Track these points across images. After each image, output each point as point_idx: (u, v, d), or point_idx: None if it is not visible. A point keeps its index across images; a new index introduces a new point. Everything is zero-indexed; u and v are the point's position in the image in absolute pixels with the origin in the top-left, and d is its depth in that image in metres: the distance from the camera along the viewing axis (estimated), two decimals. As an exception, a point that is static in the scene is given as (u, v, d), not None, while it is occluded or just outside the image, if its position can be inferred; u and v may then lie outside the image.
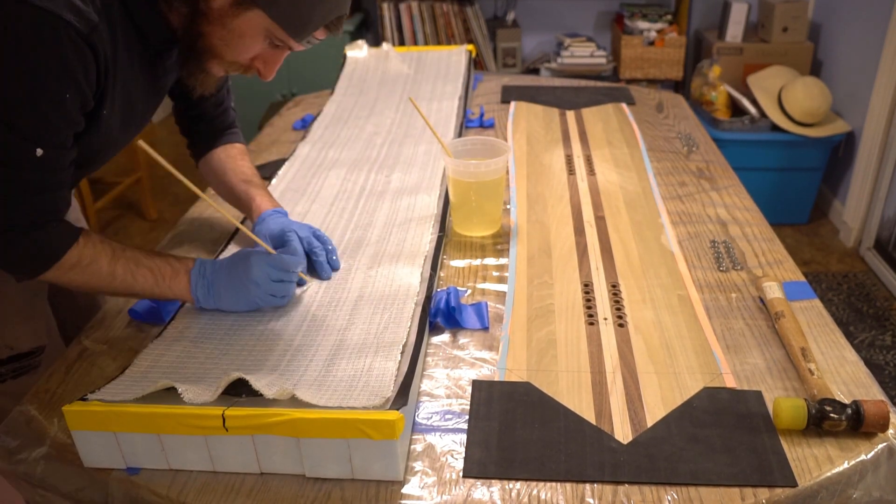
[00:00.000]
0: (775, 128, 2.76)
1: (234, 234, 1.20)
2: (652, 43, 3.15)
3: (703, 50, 3.17)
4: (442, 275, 1.12)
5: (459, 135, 1.57)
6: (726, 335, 0.97)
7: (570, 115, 1.73)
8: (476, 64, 3.26)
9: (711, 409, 0.84)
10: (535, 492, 0.75)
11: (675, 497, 0.74)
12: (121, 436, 0.77)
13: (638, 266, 1.12)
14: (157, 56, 0.94)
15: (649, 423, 0.82)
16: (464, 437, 0.82)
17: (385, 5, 3.24)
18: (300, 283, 1.03)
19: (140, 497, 0.78)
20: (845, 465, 0.77)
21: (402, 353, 0.88)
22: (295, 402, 0.77)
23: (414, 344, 0.89)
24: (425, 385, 0.90)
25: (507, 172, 1.40)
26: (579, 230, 1.22)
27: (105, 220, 3.10)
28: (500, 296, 1.06)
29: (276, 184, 1.36)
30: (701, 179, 1.41)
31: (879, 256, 2.66)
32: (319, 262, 1.05)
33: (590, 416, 0.84)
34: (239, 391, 0.79)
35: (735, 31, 2.99)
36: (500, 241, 1.20)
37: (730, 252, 1.16)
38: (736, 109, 2.88)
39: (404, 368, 0.84)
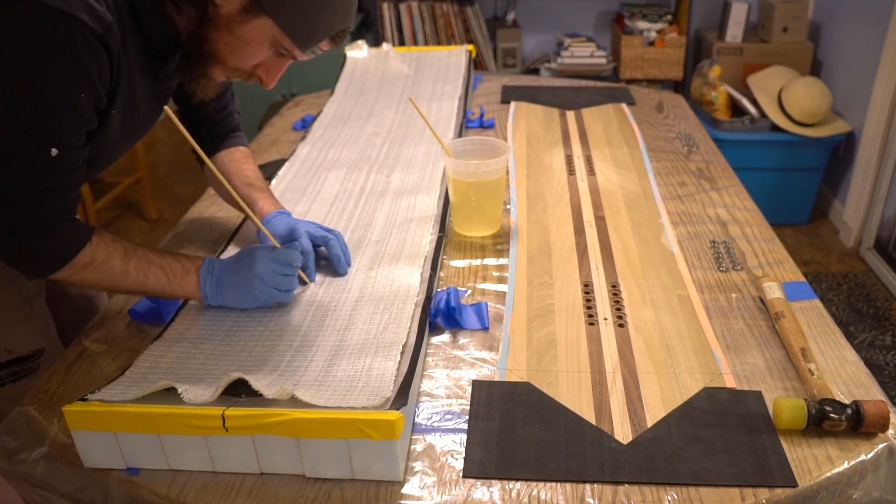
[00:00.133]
0: (775, 128, 2.76)
1: (234, 234, 1.20)
2: (652, 43, 3.15)
3: (703, 50, 3.17)
4: (442, 275, 1.12)
5: (459, 135, 1.57)
6: (726, 335, 0.97)
7: (570, 115, 1.73)
8: (476, 64, 3.26)
9: (711, 410, 0.84)
10: (535, 492, 0.75)
11: (675, 497, 0.74)
12: (121, 436, 0.77)
13: (638, 266, 1.12)
14: (160, 59, 0.94)
15: (649, 424, 0.82)
16: (464, 437, 0.82)
17: (385, 5, 3.25)
18: (300, 283, 1.03)
19: (140, 497, 0.78)
20: (845, 466, 0.77)
21: (402, 353, 0.88)
22: (295, 402, 0.77)
23: (414, 344, 0.89)
24: (425, 385, 0.90)
25: (507, 172, 1.40)
26: (579, 230, 1.22)
27: (105, 220, 3.10)
28: (500, 296, 1.06)
29: (277, 184, 1.36)
30: (701, 179, 1.41)
31: (879, 256, 2.66)
32: (336, 255, 1.06)
33: (590, 416, 0.84)
34: (239, 391, 0.79)
35: (735, 31, 2.99)
36: (500, 242, 1.20)
37: (730, 252, 1.16)
38: (736, 109, 2.88)
39: (404, 368, 0.84)
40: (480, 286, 1.09)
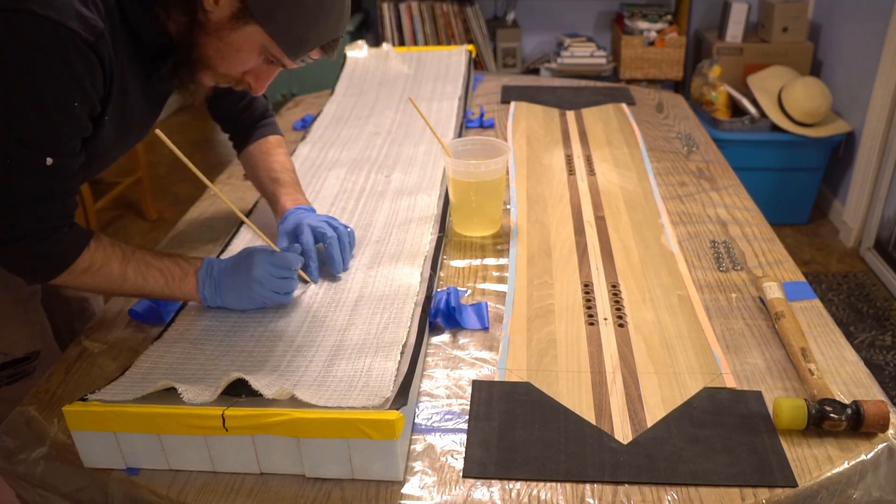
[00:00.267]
0: (775, 128, 2.76)
1: (234, 233, 1.20)
2: (652, 43, 3.15)
3: (703, 50, 3.17)
4: (442, 275, 1.12)
5: (459, 135, 1.57)
6: (726, 335, 0.97)
7: (570, 115, 1.73)
8: (476, 64, 3.27)
9: (711, 410, 0.84)
10: (535, 492, 0.75)
11: (675, 497, 0.74)
12: (121, 436, 0.77)
13: (638, 266, 1.12)
14: (153, 62, 0.94)
15: (649, 424, 0.82)
16: (464, 437, 0.82)
17: (385, 5, 3.25)
18: (302, 282, 1.03)
19: (140, 497, 0.78)
20: (845, 466, 0.77)
21: (401, 353, 0.88)
22: (295, 402, 0.77)
23: (414, 344, 0.89)
24: (425, 385, 0.90)
25: (507, 172, 1.40)
26: (579, 230, 1.22)
27: (105, 221, 3.10)
28: (500, 296, 1.06)
29: (276, 184, 1.36)
30: (701, 179, 1.41)
31: (879, 256, 2.66)
32: (331, 255, 1.05)
33: (590, 416, 0.84)
34: (239, 391, 0.79)
35: (735, 31, 2.99)
36: (500, 242, 1.20)
37: (730, 252, 1.16)
38: (736, 109, 2.88)
39: (404, 368, 0.84)
40: (480, 286, 1.09)
